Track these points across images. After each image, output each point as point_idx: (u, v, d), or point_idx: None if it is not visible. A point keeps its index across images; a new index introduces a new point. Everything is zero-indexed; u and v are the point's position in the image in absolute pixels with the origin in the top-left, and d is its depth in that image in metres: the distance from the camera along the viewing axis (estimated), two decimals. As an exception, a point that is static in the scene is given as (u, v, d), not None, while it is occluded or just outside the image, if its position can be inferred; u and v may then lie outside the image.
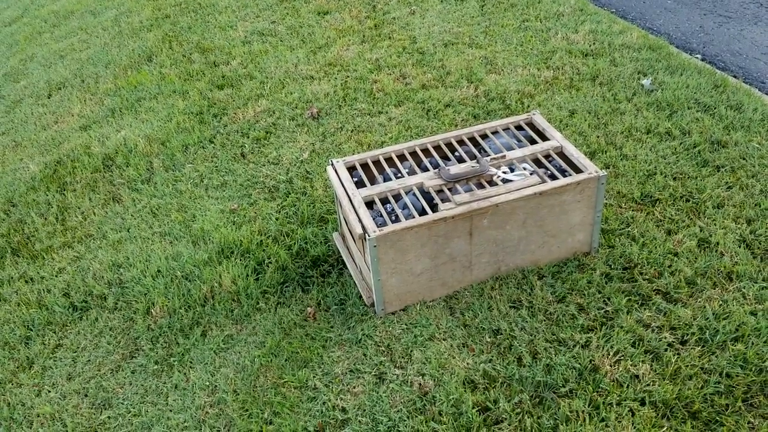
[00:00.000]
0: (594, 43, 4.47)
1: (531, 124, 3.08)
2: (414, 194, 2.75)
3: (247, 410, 2.44)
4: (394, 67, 4.56)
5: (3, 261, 3.49)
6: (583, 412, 2.24)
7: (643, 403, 2.26)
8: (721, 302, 2.57)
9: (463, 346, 2.53)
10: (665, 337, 2.46)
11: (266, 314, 2.79)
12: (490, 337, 2.55)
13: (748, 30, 4.98)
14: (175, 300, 2.94)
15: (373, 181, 2.94)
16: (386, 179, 2.90)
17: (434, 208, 2.71)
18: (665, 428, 2.18)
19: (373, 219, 2.68)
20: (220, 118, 4.29)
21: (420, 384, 2.41)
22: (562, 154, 2.88)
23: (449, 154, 2.96)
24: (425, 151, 3.01)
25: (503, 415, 2.27)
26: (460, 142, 3.04)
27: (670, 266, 2.75)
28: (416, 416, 2.31)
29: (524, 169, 2.82)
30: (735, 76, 4.30)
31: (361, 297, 2.79)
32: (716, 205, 3.03)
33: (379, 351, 2.56)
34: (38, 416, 2.59)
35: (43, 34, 6.93)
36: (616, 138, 3.52)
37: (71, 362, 2.81)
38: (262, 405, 2.44)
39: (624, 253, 2.83)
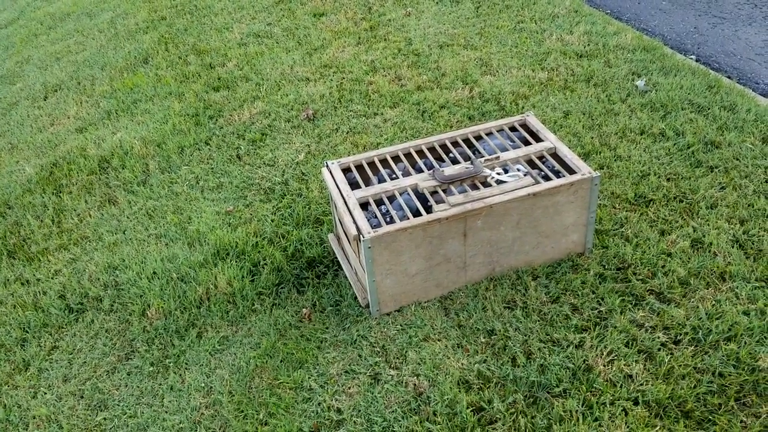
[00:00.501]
0: (588, 45, 4.49)
1: (525, 126, 3.09)
2: (408, 195, 2.76)
3: (242, 411, 2.45)
4: (390, 69, 4.57)
5: (-1, 263, 3.50)
6: (576, 411, 2.26)
7: (636, 402, 2.27)
8: (714, 302, 2.58)
9: (458, 347, 2.54)
10: (658, 337, 2.47)
11: (261, 315, 2.80)
12: (484, 338, 2.57)
13: (743, 31, 5.00)
14: (170, 302, 2.94)
15: (367, 182, 2.95)
16: (381, 180, 2.91)
17: (429, 209, 2.72)
18: (658, 427, 2.19)
19: (368, 220, 2.70)
20: (216, 120, 4.30)
21: (415, 384, 2.42)
22: (555, 155, 2.90)
23: (443, 156, 2.97)
24: (420, 152, 3.03)
25: (497, 415, 2.28)
26: (455, 144, 3.05)
27: (663, 266, 2.76)
28: (411, 416, 2.32)
29: (518, 170, 2.83)
30: (729, 77, 4.32)
31: (356, 298, 2.80)
32: (709, 205, 3.04)
33: (374, 352, 2.57)
34: (34, 418, 2.60)
35: (39, 36, 6.93)
36: (610, 139, 3.53)
37: (67, 364, 2.81)
38: (257, 406, 2.45)
39: (618, 254, 2.84)
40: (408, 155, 3.02)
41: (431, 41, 4.86)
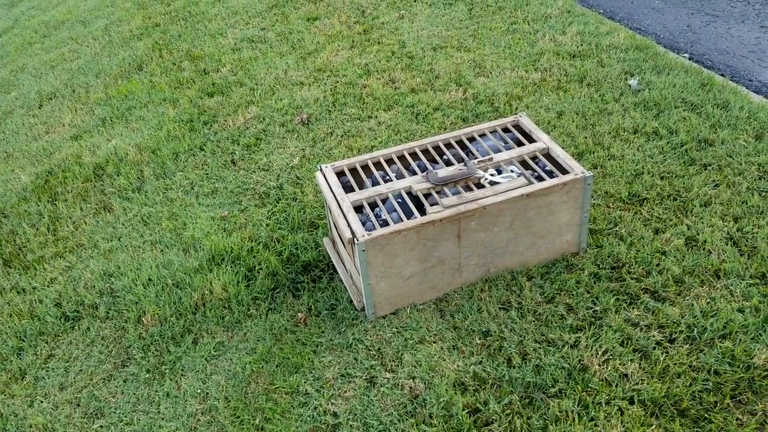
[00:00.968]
0: (581, 45, 4.49)
1: (518, 127, 3.10)
2: (402, 198, 2.77)
3: (238, 417, 2.45)
4: (384, 72, 4.58)
5: (-6, 272, 3.50)
6: (572, 411, 2.26)
7: (631, 401, 2.27)
8: (708, 300, 2.58)
9: (453, 349, 2.54)
10: (654, 336, 2.47)
11: (257, 320, 2.80)
12: (479, 339, 2.57)
13: (736, 28, 5.01)
14: (166, 308, 2.94)
15: (361, 185, 2.95)
16: (375, 183, 2.92)
17: (423, 211, 2.72)
18: (654, 426, 2.19)
19: (362, 223, 2.70)
20: (211, 126, 4.30)
21: (411, 387, 2.42)
22: (548, 156, 2.90)
23: (437, 158, 2.98)
24: (413, 154, 3.03)
25: (493, 417, 2.28)
26: (448, 146, 3.06)
27: (658, 265, 2.76)
28: (407, 419, 2.32)
29: (511, 171, 2.83)
30: (722, 75, 4.33)
31: (351, 301, 2.80)
32: (703, 203, 3.05)
33: (369, 355, 2.56)
34: (31, 427, 2.59)
35: (33, 44, 6.94)
36: (603, 138, 3.54)
37: (63, 372, 2.81)
38: (253, 411, 2.45)
39: (612, 253, 2.84)
40: (401, 158, 3.03)
41: (425, 43, 4.87)
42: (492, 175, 2.81)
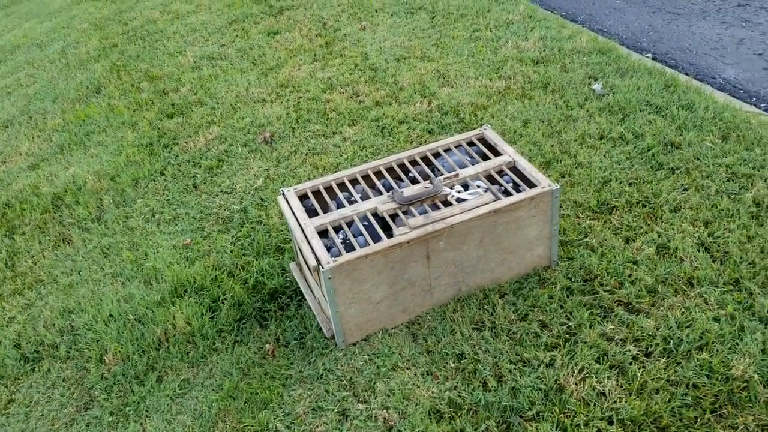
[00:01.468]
0: (544, 50, 4.46)
1: (483, 140, 3.04)
2: (368, 220, 2.69)
3: (207, 459, 2.35)
4: (347, 86, 4.50)
5: (-51, 314, 3.35)
6: (550, 435, 2.19)
7: (610, 422, 2.21)
8: (683, 309, 2.54)
9: (427, 374, 2.47)
10: (629, 350, 2.42)
11: (223, 354, 2.70)
12: (454, 363, 2.49)
13: (697, 26, 5.01)
14: (128, 345, 2.83)
15: (326, 208, 2.87)
16: (339, 205, 2.84)
17: (390, 233, 2.65)
18: (634, 446, 2.14)
19: (328, 248, 2.61)
20: (171, 149, 4.19)
21: (384, 418, 2.34)
22: (514, 169, 2.84)
23: (402, 176, 2.91)
24: (378, 173, 2.95)
25: (470, 445, 2.21)
26: (413, 162, 2.99)
27: (630, 275, 2.72)
28: (382, 452, 2.24)
29: (478, 186, 2.77)
30: (686, 74, 4.32)
31: (321, 329, 2.72)
32: (673, 208, 3.01)
33: (341, 386, 2.48)
34: (-12, 481, 2.47)
35: (-12, 70, 6.75)
36: (570, 146, 3.49)
37: (24, 418, 2.69)
38: (222, 452, 2.36)
39: (584, 265, 2.79)
40: (366, 177, 2.95)
41: (388, 55, 4.80)
42: (459, 191, 2.74)
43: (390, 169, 2.97)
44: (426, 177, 2.89)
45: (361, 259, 2.48)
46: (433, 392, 2.39)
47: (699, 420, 2.18)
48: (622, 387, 2.31)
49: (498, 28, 4.86)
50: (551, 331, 2.55)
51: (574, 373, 2.37)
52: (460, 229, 2.58)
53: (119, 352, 2.82)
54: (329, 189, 2.91)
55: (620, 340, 2.47)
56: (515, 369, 2.42)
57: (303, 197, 2.88)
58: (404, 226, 2.58)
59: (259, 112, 4.37)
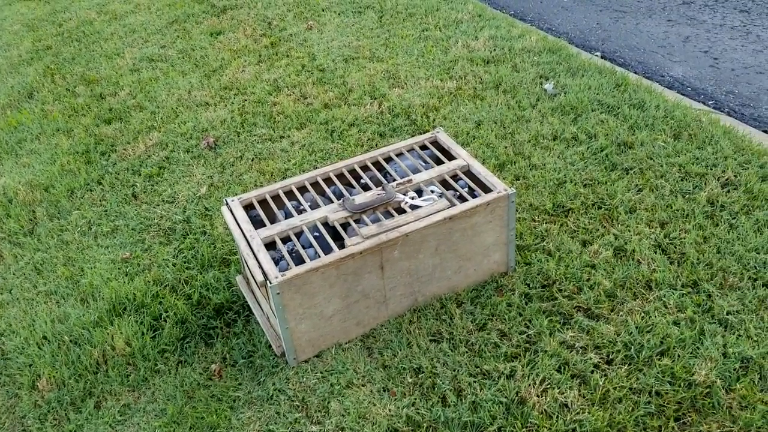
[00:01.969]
0: (494, 50, 4.40)
1: (436, 143, 2.94)
2: (318, 231, 2.56)
3: (149, 492, 2.19)
4: (294, 87, 4.36)
5: None
6: (513, 451, 2.11)
7: (574, 434, 2.14)
8: (643, 314, 2.49)
9: (384, 391, 2.36)
10: (590, 358, 2.35)
11: (166, 377, 2.54)
12: (411, 377, 2.39)
13: (644, 23, 5.03)
14: (63, 369, 2.64)
15: (273, 218, 2.73)
16: (287, 215, 2.70)
17: (341, 243, 2.52)
18: (599, 460, 2.07)
19: (276, 261, 2.48)
20: (109, 156, 3.97)
21: (339, 439, 2.22)
22: (469, 173, 2.75)
23: (353, 182, 2.79)
24: (327, 180, 2.83)
25: (431, 465, 2.11)
26: (364, 168, 2.87)
27: (588, 280, 2.65)
28: (338, 477, 2.12)
29: (432, 192, 2.67)
30: (635, 72, 4.31)
31: (270, 346, 2.57)
32: (628, 210, 2.97)
33: (293, 406, 2.35)
34: None
35: None
36: (523, 147, 3.43)
37: (-52, 453, 2.47)
38: (166, 483, 2.20)
39: (541, 270, 2.72)
40: (315, 184, 2.82)
41: (336, 55, 4.67)
42: (412, 198, 2.64)
43: (340, 176, 2.85)
44: (378, 183, 2.78)
45: (311, 272, 2.35)
46: (390, 410, 2.28)
47: (663, 429, 2.12)
48: (584, 397, 2.24)
49: (447, 28, 4.78)
50: (510, 340, 2.47)
51: (535, 384, 2.29)
52: (415, 238, 2.48)
53: (54, 377, 2.63)
54: (276, 198, 2.77)
55: (581, 347, 2.40)
56: (475, 382, 2.33)
57: (249, 207, 2.74)
58: (356, 236, 2.47)
59: (202, 116, 4.18)
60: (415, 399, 2.31)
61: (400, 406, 2.29)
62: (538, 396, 2.25)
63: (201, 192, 3.50)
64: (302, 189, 2.80)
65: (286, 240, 2.56)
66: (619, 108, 3.64)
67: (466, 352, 2.44)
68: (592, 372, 2.31)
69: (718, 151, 3.24)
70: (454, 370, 2.38)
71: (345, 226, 2.58)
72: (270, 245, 2.55)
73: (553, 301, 2.60)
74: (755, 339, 2.35)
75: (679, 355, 2.32)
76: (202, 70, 4.78)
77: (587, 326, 2.47)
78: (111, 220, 3.42)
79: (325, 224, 2.59)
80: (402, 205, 2.61)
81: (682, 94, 4.01)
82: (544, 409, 2.21)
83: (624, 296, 2.57)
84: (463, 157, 2.79)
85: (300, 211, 2.68)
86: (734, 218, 2.86)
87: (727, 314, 2.45)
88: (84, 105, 4.62)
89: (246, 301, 2.79)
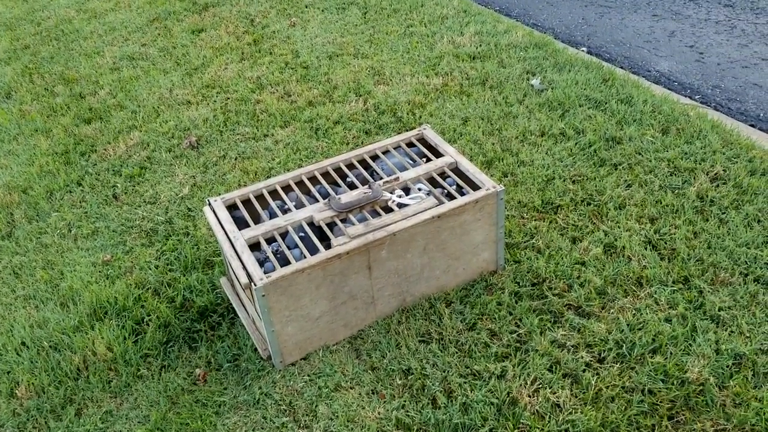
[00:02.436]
0: (480, 45, 4.35)
1: (423, 140, 2.89)
2: (304, 231, 2.50)
3: (133, 501, 2.13)
4: (278, 85, 4.29)
5: None
6: (506, 454, 2.07)
7: (567, 435, 2.10)
8: (634, 311, 2.46)
9: (373, 393, 2.31)
10: (582, 357, 2.32)
11: (149, 382, 2.47)
12: (400, 379, 2.34)
13: (629, 18, 5.01)
14: (42, 376, 2.56)
15: (257, 218, 2.67)
16: (272, 215, 2.64)
17: (327, 243, 2.47)
18: (593, 461, 2.03)
19: (261, 263, 2.42)
20: (89, 156, 3.89)
21: (328, 444, 2.17)
22: (457, 170, 2.71)
23: (339, 181, 2.73)
24: (313, 179, 2.77)
25: (421, 469, 2.06)
26: (350, 166, 2.82)
27: (578, 277, 2.62)
28: (326, 483, 2.06)
29: (419, 190, 2.62)
30: (622, 67, 4.29)
31: (256, 350, 2.52)
32: (618, 206, 2.94)
33: (280, 411, 2.29)
34: None
35: None
36: (511, 143, 3.39)
37: (-76, 464, 2.40)
38: (150, 492, 2.14)
39: (531, 268, 2.68)
40: (300, 183, 2.76)
41: (319, 52, 4.61)
42: (399, 196, 2.59)
43: (326, 174, 2.79)
44: (364, 181, 2.73)
45: (297, 273, 2.29)
46: (379, 413, 2.23)
47: (657, 428, 2.09)
48: (576, 397, 2.20)
49: (433, 24, 4.74)
50: (501, 339, 2.43)
51: (526, 384, 2.25)
52: (402, 237, 2.43)
53: (33, 384, 2.55)
54: (260, 197, 2.71)
55: (572, 346, 2.37)
56: (465, 383, 2.28)
57: (232, 207, 2.68)
58: (343, 236, 2.41)
59: (183, 115, 4.11)
60: (405, 401, 2.26)
61: (390, 408, 2.24)
62: (529, 396, 2.22)
63: (183, 192, 3.42)
64: (287, 188, 2.74)
65: (270, 241, 2.51)
66: (606, 103, 3.61)
67: (456, 352, 2.40)
68: (584, 371, 2.28)
69: (707, 145, 3.21)
70: (444, 371, 2.34)
71: (331, 225, 2.52)
72: (254, 246, 2.49)
73: (544, 299, 2.56)
74: (747, 335, 2.33)
75: (671, 353, 2.29)
76: (184, 68, 4.70)
77: (578, 324, 2.44)
78: (91, 221, 3.34)
79: (311, 224, 2.54)
80: (389, 203, 2.56)
81: (669, 89, 3.99)
82: (536, 410, 2.17)
83: (615, 293, 2.54)
84: (450, 155, 2.74)
85: (285, 211, 2.62)
86: (724, 213, 2.83)
87: (719, 310, 2.42)
88: (63, 105, 4.52)
89: (230, 304, 2.73)
